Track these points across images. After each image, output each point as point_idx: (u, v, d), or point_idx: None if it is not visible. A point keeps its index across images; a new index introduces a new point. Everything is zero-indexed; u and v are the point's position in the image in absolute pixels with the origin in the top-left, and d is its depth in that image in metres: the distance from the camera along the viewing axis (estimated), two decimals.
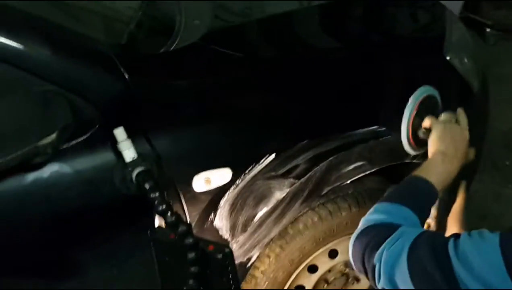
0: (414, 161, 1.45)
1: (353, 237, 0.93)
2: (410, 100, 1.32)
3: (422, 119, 1.27)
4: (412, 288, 0.79)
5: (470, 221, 2.33)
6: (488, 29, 4.21)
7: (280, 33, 1.49)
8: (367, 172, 1.38)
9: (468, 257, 0.76)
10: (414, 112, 1.32)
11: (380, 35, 1.67)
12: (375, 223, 0.92)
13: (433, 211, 1.40)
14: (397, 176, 1.60)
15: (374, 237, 0.88)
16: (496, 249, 0.75)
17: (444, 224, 1.28)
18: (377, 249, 0.85)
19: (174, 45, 1.26)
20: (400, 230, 0.86)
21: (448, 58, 1.53)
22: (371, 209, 0.97)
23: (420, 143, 1.34)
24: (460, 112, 1.24)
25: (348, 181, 1.38)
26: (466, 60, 1.64)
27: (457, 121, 1.22)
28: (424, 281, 0.79)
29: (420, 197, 1.01)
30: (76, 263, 1.15)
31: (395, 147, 1.38)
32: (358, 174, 1.37)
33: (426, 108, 1.34)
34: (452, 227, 1.24)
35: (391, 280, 0.82)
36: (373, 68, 1.46)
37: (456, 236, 0.82)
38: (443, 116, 1.23)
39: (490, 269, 0.74)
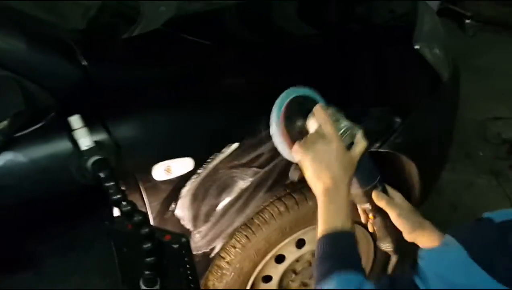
0: (381, 150, 1.44)
1: None
2: (273, 108, 1.13)
3: (295, 124, 1.11)
4: None
5: (441, 211, 2.39)
6: (467, 20, 4.23)
7: (248, 20, 1.47)
8: None
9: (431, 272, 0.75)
10: (282, 122, 1.11)
11: (352, 23, 1.66)
12: None
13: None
14: None
15: None
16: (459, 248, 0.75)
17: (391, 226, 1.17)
18: None
19: (136, 31, 1.24)
20: None
21: (417, 47, 1.52)
22: None
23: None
24: (313, 122, 1.05)
25: None
26: (437, 50, 1.64)
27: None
28: None
29: (343, 253, 0.90)
30: (32, 255, 1.13)
31: None
32: None
33: (297, 112, 1.13)
34: (401, 226, 1.09)
35: None
36: (344, 55, 1.46)
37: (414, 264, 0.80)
38: (311, 130, 1.05)
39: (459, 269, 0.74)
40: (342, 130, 1.02)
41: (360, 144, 1.00)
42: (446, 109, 1.69)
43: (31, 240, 1.10)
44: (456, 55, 1.85)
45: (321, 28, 1.57)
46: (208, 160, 1.21)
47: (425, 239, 1.05)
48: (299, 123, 1.10)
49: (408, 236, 1.07)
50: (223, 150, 1.21)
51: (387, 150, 1.47)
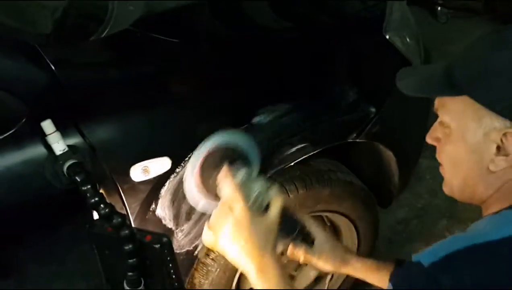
0: (357, 140, 1.46)
1: None
2: (192, 156, 0.98)
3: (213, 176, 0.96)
4: None
5: (422, 197, 2.43)
6: (439, 8, 4.29)
7: (218, 17, 1.46)
8: (310, 153, 1.38)
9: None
10: (198, 173, 0.96)
11: (323, 14, 1.67)
12: None
13: None
14: (343, 156, 1.63)
15: None
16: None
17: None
18: None
19: (106, 32, 1.22)
20: None
21: (387, 37, 1.54)
22: None
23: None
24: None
25: (292, 163, 1.38)
26: (407, 38, 1.66)
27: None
28: None
29: None
30: (12, 262, 1.11)
31: (337, 127, 1.39)
32: (301, 156, 1.37)
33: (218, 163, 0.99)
34: (325, 267, 1.09)
35: None
36: (317, 48, 1.46)
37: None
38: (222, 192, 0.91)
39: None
40: (255, 194, 0.93)
41: (276, 205, 0.91)
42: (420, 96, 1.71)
43: (10, 247, 1.09)
44: (428, 42, 1.88)
45: (294, 21, 1.57)
46: (186, 159, 1.21)
47: (353, 271, 1.08)
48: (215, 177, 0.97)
49: (339, 271, 1.09)
50: None
51: (364, 140, 1.49)
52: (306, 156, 1.38)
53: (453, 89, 0.78)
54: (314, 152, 1.39)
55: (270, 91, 1.34)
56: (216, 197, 0.95)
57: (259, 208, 0.92)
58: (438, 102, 0.84)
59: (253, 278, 0.85)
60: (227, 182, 0.90)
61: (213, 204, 0.96)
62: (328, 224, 1.68)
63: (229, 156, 0.99)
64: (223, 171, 0.92)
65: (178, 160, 1.20)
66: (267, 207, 0.92)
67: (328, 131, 1.40)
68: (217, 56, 1.31)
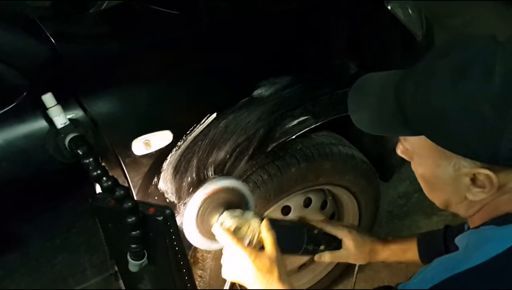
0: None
1: None
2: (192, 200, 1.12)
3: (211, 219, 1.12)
4: None
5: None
6: None
7: None
8: (312, 126, 1.38)
9: None
10: (197, 216, 1.11)
11: None
12: None
13: None
14: (344, 129, 1.63)
15: None
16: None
17: None
18: None
19: (105, 4, 1.21)
20: None
21: (389, 7, 1.52)
22: None
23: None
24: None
25: (294, 136, 1.37)
26: (409, 10, 1.64)
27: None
28: None
29: None
30: (16, 236, 1.12)
31: (338, 100, 1.38)
32: (302, 129, 1.37)
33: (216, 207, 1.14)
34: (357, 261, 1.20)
35: None
36: (318, 19, 1.45)
37: None
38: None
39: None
40: (250, 235, 1.05)
41: (267, 240, 1.03)
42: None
43: (14, 221, 1.09)
44: (431, 15, 1.86)
45: None
46: (188, 132, 1.21)
47: (383, 259, 1.14)
48: (214, 220, 1.12)
49: (370, 261, 1.15)
50: (202, 121, 1.21)
51: None
52: (307, 129, 1.38)
53: (408, 129, 0.74)
54: (316, 125, 1.39)
55: (271, 64, 1.33)
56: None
57: (257, 245, 1.05)
58: (400, 137, 0.81)
59: None
60: (221, 233, 1.04)
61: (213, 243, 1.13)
62: (330, 197, 1.68)
63: (226, 200, 1.12)
64: (215, 225, 1.07)
65: (180, 134, 1.20)
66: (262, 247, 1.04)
67: (330, 103, 1.39)
68: (217, 28, 1.29)
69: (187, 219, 1.11)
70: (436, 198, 0.83)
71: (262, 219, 1.07)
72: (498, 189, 0.72)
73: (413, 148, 0.78)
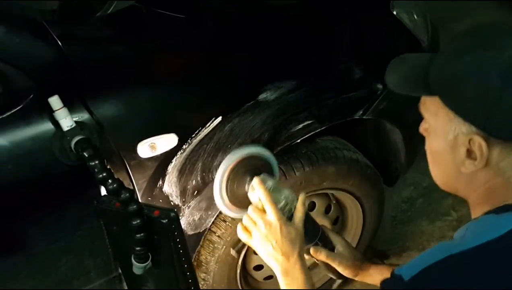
0: (364, 117, 1.45)
1: None
2: (219, 167, 1.06)
3: (240, 187, 1.06)
4: None
5: (428, 175, 2.40)
6: None
7: None
8: (316, 131, 1.38)
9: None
10: (225, 184, 1.06)
11: None
12: None
13: None
14: (349, 133, 1.63)
15: None
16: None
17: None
18: None
19: (112, 8, 1.22)
20: None
21: (395, 13, 1.52)
22: None
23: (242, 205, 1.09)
24: (253, 194, 1.01)
25: (299, 140, 1.38)
26: (415, 15, 1.64)
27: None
28: None
29: None
30: (21, 238, 1.12)
31: (343, 104, 1.38)
32: (307, 133, 1.37)
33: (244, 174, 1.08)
34: (344, 271, 1.14)
35: None
36: (324, 23, 1.45)
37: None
38: (251, 198, 1.02)
39: None
40: (283, 202, 1.02)
41: (299, 213, 1.00)
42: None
43: (19, 224, 1.10)
44: (437, 20, 1.85)
45: None
46: (193, 135, 1.21)
47: (371, 278, 1.10)
48: (242, 187, 1.07)
49: (355, 278, 1.12)
50: (207, 124, 1.21)
51: (370, 117, 1.48)
52: (312, 133, 1.38)
53: (427, 89, 0.80)
54: (321, 129, 1.39)
55: (276, 68, 1.33)
56: (242, 204, 1.06)
57: (285, 215, 1.00)
58: (422, 99, 0.85)
59: (279, 278, 0.95)
60: (259, 188, 0.98)
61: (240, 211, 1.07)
62: (334, 201, 1.68)
63: (254, 167, 1.07)
64: (256, 179, 1.00)
65: (185, 137, 1.20)
66: (291, 216, 1.00)
67: (335, 108, 1.39)
68: (223, 32, 1.30)
69: (217, 184, 1.05)
70: (436, 172, 0.87)
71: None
72: (488, 164, 0.76)
73: (430, 123, 0.83)
